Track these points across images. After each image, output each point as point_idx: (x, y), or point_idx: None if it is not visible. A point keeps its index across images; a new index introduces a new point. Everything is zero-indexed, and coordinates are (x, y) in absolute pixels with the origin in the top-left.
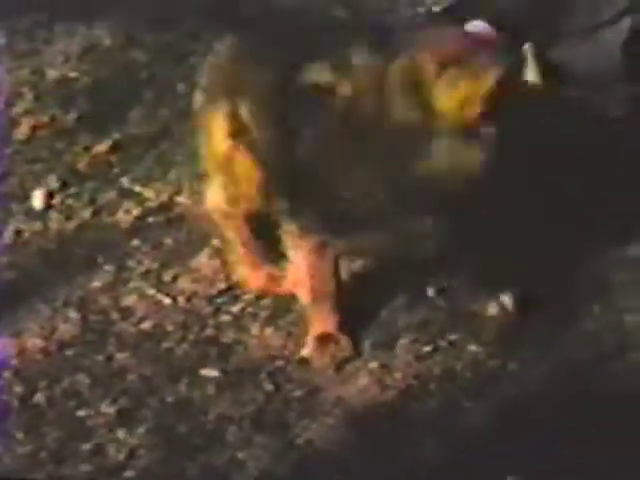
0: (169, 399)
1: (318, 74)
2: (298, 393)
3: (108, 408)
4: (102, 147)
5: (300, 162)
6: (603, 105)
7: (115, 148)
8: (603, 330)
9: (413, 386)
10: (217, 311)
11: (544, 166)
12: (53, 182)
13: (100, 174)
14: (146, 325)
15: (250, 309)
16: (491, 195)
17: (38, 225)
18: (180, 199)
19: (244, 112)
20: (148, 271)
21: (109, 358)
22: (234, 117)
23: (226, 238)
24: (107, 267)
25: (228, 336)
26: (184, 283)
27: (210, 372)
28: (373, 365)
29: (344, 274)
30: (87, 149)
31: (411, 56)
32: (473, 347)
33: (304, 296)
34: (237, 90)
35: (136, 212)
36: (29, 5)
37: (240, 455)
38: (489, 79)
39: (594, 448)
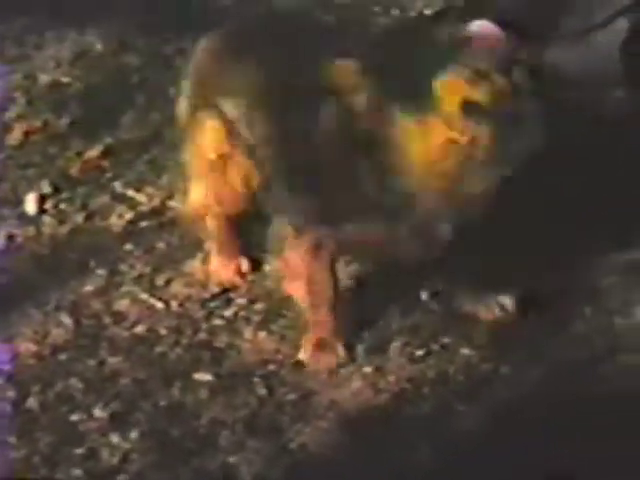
0: (162, 403)
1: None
2: (291, 397)
3: (101, 412)
4: (94, 152)
5: (294, 160)
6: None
7: (107, 153)
8: (594, 333)
9: (406, 390)
10: (210, 315)
11: (540, 166)
12: (46, 187)
13: (92, 179)
14: (139, 329)
15: (243, 313)
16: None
17: (31, 230)
18: (172, 203)
19: (231, 113)
20: (141, 275)
21: (102, 362)
22: (221, 119)
23: (205, 231)
24: (100, 271)
25: (221, 340)
26: (177, 287)
27: (203, 376)
28: (367, 369)
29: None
30: (79, 154)
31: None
32: (466, 350)
33: (302, 299)
34: (223, 91)
35: (128, 216)
36: (20, 10)
37: (233, 459)
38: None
39: (587, 450)
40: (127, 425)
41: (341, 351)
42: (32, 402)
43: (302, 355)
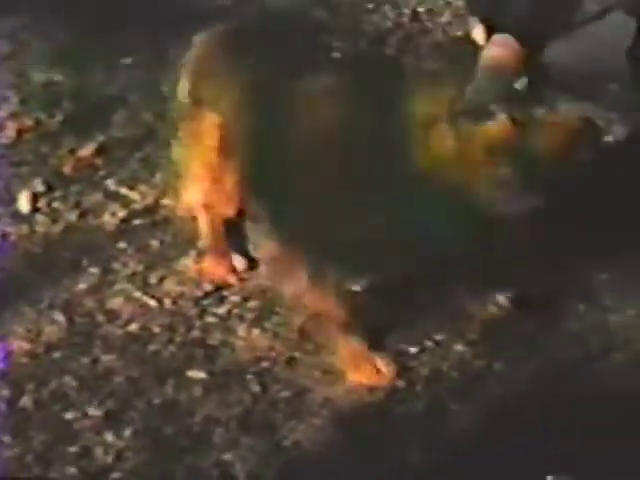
0: (156, 401)
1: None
2: (285, 394)
3: (95, 410)
4: (87, 150)
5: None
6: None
7: (100, 151)
8: (588, 330)
9: (400, 387)
10: (203, 313)
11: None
12: (39, 185)
13: (85, 177)
14: (132, 327)
15: (236, 311)
16: None
17: (24, 228)
18: (165, 201)
19: (227, 113)
20: (134, 273)
21: (95, 360)
22: (217, 120)
23: (198, 230)
24: (93, 269)
25: (215, 338)
26: (170, 285)
27: (197, 374)
28: None
29: None
30: (72, 152)
31: None
32: (459, 347)
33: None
34: (220, 91)
35: (121, 214)
36: (12, 8)
37: (227, 457)
38: None
39: (581, 448)
40: (121, 423)
41: (382, 362)
42: (26, 400)
43: (352, 383)
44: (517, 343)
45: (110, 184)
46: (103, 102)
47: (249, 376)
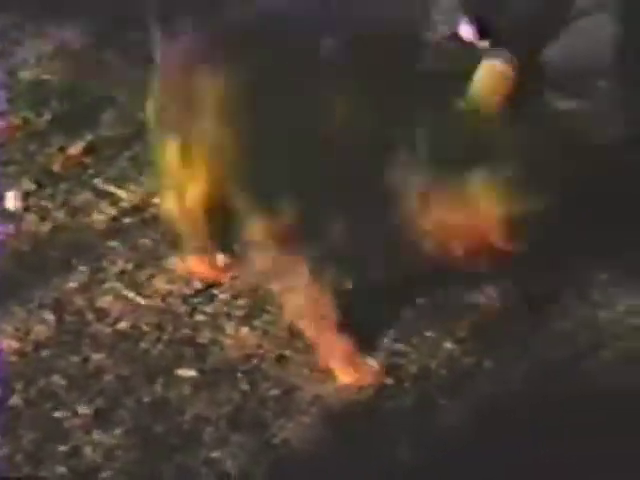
0: (145, 399)
1: None
2: (275, 392)
3: (84, 409)
4: (76, 148)
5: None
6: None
7: (89, 149)
8: (578, 327)
9: (389, 384)
10: (193, 311)
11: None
12: (27, 184)
13: (74, 175)
14: (122, 326)
15: (226, 309)
16: None
17: (13, 227)
18: (155, 200)
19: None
20: (123, 272)
21: (85, 359)
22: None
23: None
24: (82, 268)
25: (204, 336)
26: (159, 283)
27: (186, 372)
28: None
29: None
30: (61, 151)
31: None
32: (448, 344)
33: (309, 330)
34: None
35: (111, 213)
36: (2, 6)
37: (216, 455)
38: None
39: (570, 445)
40: (111, 422)
41: (370, 361)
42: (15, 399)
43: (341, 383)
44: (506, 340)
45: (99, 183)
46: (92, 101)
47: (239, 374)
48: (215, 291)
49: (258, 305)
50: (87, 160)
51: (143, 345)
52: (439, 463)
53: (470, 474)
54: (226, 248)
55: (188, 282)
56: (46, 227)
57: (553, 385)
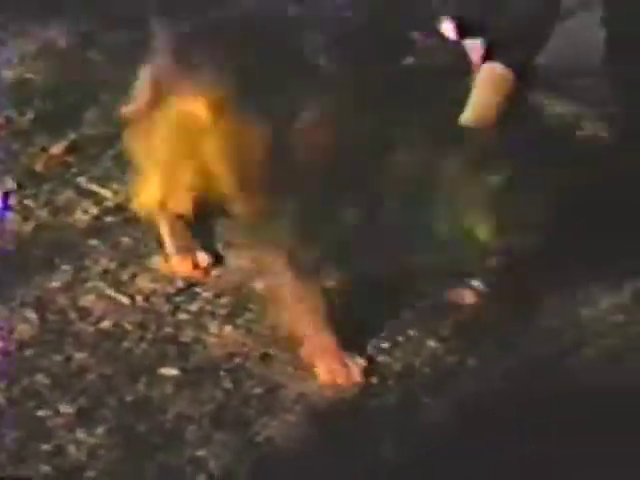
0: (128, 398)
1: None
2: (258, 390)
3: (67, 408)
4: (59, 148)
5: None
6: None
7: (72, 148)
8: (561, 324)
9: (372, 382)
10: (176, 310)
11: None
12: (10, 183)
13: (57, 175)
14: (105, 325)
15: (209, 307)
16: None
17: None
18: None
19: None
20: (106, 271)
21: (68, 358)
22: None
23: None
24: (65, 267)
25: (187, 335)
26: (142, 282)
27: (169, 371)
28: None
29: None
30: (44, 150)
31: None
32: (432, 342)
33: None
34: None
35: (94, 212)
36: None
37: (200, 453)
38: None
39: (554, 443)
40: (93, 421)
41: (359, 360)
42: None
43: (322, 381)
44: (490, 338)
45: (82, 182)
46: (75, 100)
47: (222, 373)
48: (198, 290)
49: (241, 303)
50: (70, 159)
51: (126, 344)
52: (423, 461)
53: (454, 472)
54: (209, 247)
55: (171, 281)
56: (29, 226)
57: (536, 383)
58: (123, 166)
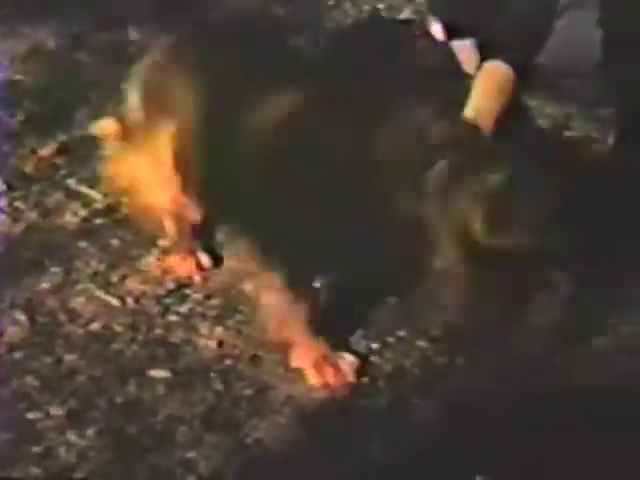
0: (118, 400)
1: None
2: (248, 392)
3: (57, 410)
4: (48, 149)
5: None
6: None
7: (61, 150)
8: (551, 324)
9: (362, 383)
10: (166, 311)
11: None
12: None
13: (46, 176)
14: (94, 326)
15: (199, 309)
16: None
17: None
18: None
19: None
20: (96, 273)
21: (58, 360)
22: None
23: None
24: (54, 269)
25: (177, 336)
26: (132, 284)
27: (159, 372)
28: None
29: None
30: (33, 152)
31: None
32: (422, 343)
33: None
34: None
35: (83, 214)
36: None
37: (190, 455)
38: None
39: (545, 442)
40: (84, 423)
41: (350, 358)
42: None
43: (312, 383)
44: (479, 338)
45: (71, 183)
46: (64, 101)
47: (212, 374)
48: (188, 291)
49: (231, 305)
50: (60, 161)
51: (116, 346)
52: (413, 461)
53: (444, 472)
54: (202, 248)
55: (161, 283)
56: (19, 228)
57: (526, 383)
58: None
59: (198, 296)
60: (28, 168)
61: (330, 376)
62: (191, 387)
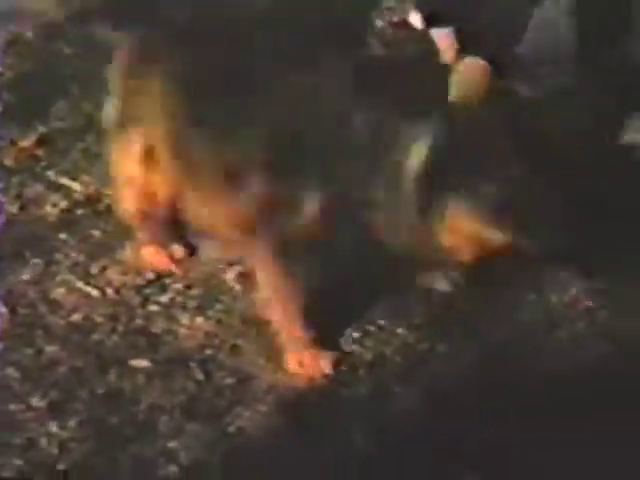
0: (100, 391)
1: None
2: (229, 381)
3: (39, 402)
4: (28, 141)
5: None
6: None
7: (41, 142)
8: (530, 312)
9: (343, 372)
10: (146, 301)
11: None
12: None
13: (27, 168)
14: (75, 317)
15: (179, 299)
16: None
17: None
18: (107, 191)
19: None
20: (76, 264)
21: (39, 351)
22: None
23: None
24: (35, 260)
25: (157, 326)
26: (112, 275)
27: (140, 362)
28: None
29: None
30: (13, 143)
31: None
32: (402, 331)
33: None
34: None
35: (63, 205)
36: None
37: (172, 444)
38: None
39: (523, 430)
40: (65, 414)
41: (326, 352)
42: None
43: (291, 370)
44: (460, 326)
45: (52, 175)
46: (44, 93)
47: (193, 364)
48: (168, 281)
49: (211, 295)
50: (39, 153)
51: (96, 336)
52: (394, 449)
53: (425, 460)
54: (180, 239)
55: (141, 273)
56: None
57: (507, 369)
58: (92, 159)
59: (178, 286)
60: (8, 160)
61: (309, 367)
62: (172, 377)
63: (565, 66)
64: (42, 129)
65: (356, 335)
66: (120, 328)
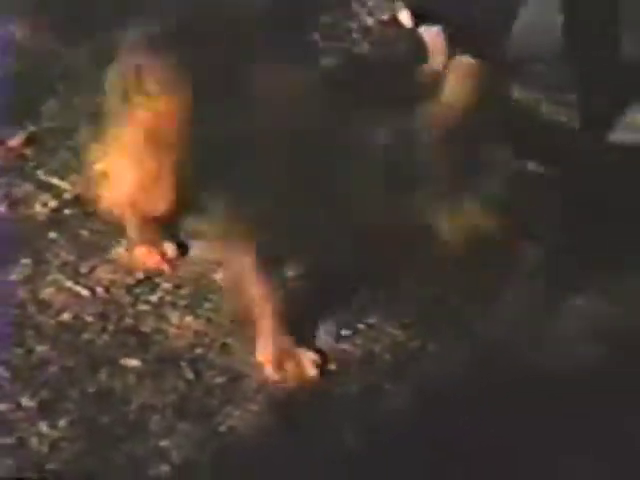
0: (90, 390)
1: None
2: (220, 380)
3: (29, 401)
4: (17, 140)
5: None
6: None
7: (30, 141)
8: (522, 310)
9: (333, 370)
10: (136, 301)
11: None
12: None
13: (15, 167)
14: (65, 317)
15: (169, 298)
16: None
17: None
18: (96, 191)
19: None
20: (65, 263)
21: (29, 351)
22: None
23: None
24: (24, 260)
25: (148, 325)
26: (102, 274)
27: (130, 362)
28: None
29: None
30: (1, 142)
31: None
32: (392, 329)
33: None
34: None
35: (52, 205)
36: None
37: (163, 444)
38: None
39: (514, 428)
40: (56, 413)
41: (308, 354)
42: None
43: (269, 372)
44: (451, 324)
45: (40, 174)
46: (33, 92)
47: (183, 363)
48: (158, 280)
49: (201, 294)
50: (28, 152)
51: (87, 336)
52: (385, 447)
53: (416, 457)
54: (171, 238)
55: (131, 272)
56: None
57: (498, 368)
58: (82, 158)
59: (168, 285)
60: None
61: (290, 372)
62: (162, 376)
63: (557, 65)
64: (31, 128)
65: (346, 333)
66: (110, 327)
